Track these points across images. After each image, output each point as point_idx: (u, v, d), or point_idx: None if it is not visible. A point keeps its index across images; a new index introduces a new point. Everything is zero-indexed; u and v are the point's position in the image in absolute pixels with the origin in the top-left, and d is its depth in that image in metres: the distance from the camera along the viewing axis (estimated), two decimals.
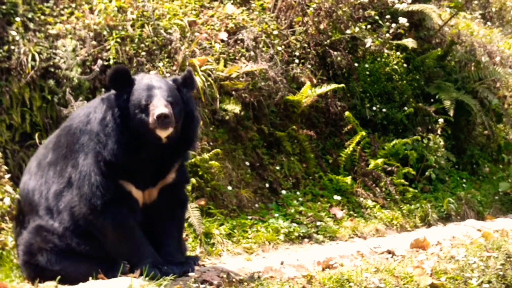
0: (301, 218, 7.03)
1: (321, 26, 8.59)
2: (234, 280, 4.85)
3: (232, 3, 8.18)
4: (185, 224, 5.70)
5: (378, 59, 8.77)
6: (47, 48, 6.60)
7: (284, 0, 8.49)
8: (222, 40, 7.68)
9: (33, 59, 6.43)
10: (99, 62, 6.61)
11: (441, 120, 8.77)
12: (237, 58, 7.62)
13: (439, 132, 8.73)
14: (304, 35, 8.50)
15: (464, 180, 9.13)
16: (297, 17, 8.52)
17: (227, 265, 5.38)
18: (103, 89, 6.47)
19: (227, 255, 6.10)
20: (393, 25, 8.88)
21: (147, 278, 4.48)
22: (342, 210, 7.47)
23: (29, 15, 6.69)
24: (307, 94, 7.89)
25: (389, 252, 6.20)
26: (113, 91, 4.68)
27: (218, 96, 7.12)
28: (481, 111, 9.36)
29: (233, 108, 7.17)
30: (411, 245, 6.37)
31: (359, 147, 8.17)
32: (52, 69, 6.54)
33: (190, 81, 4.83)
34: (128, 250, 4.70)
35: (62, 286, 4.63)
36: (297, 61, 8.26)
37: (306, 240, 6.78)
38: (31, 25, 6.66)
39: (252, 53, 7.72)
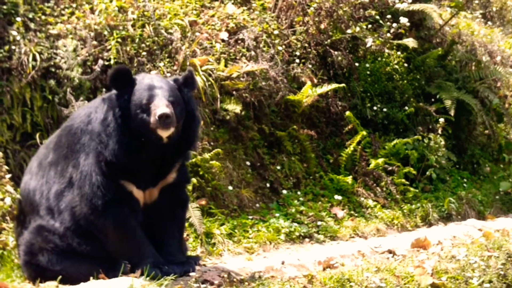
0: (302, 218, 7.03)
1: (322, 26, 8.59)
2: (235, 280, 4.85)
3: (232, 3, 8.19)
4: (186, 224, 5.69)
5: (379, 58, 8.77)
6: (48, 48, 6.60)
7: None
8: (223, 40, 7.69)
9: (34, 59, 6.43)
10: (100, 62, 6.62)
11: (441, 120, 8.77)
12: (237, 58, 7.63)
13: (439, 131, 8.73)
14: (305, 35, 8.50)
15: (465, 180, 9.12)
16: (298, 17, 8.52)
17: (228, 265, 5.38)
18: (104, 89, 6.47)
19: (228, 255, 6.10)
20: (394, 24, 8.88)
21: (148, 278, 4.48)
22: (343, 209, 7.47)
23: (30, 15, 6.69)
24: (308, 94, 7.89)
25: (390, 251, 6.20)
26: (114, 91, 4.68)
27: (218, 96, 7.12)
28: (481, 111, 9.36)
29: (234, 108, 7.18)
30: (412, 245, 6.37)
31: (359, 146, 8.17)
32: (53, 69, 6.55)
33: (191, 81, 4.84)
34: (129, 250, 4.70)
35: (63, 286, 4.63)
36: (297, 61, 8.27)
37: (307, 239, 6.78)
38: (32, 25, 6.66)
39: (252, 53, 7.72)
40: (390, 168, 8.18)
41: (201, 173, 6.64)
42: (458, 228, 7.45)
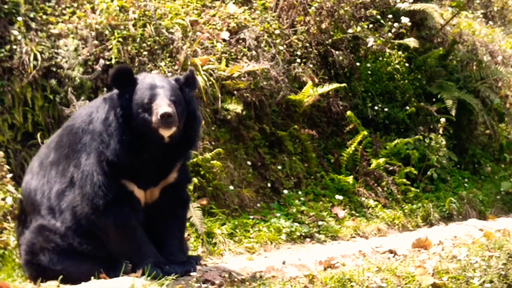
0: (303, 217, 7.03)
1: (323, 26, 8.59)
2: (236, 279, 4.85)
3: (234, 3, 8.18)
4: (187, 224, 5.69)
5: (380, 58, 8.76)
6: (49, 47, 6.60)
7: None
8: (224, 40, 7.69)
9: (35, 58, 6.43)
10: (101, 61, 6.62)
11: (443, 120, 8.77)
12: (239, 57, 7.62)
13: (441, 131, 8.73)
14: (306, 35, 8.50)
15: (466, 180, 9.12)
16: (299, 17, 8.52)
17: (229, 265, 5.38)
18: (105, 89, 6.47)
19: (229, 254, 6.10)
20: (395, 24, 8.88)
21: (149, 278, 4.48)
22: (344, 209, 7.47)
23: (31, 15, 6.69)
24: (309, 94, 7.89)
25: (391, 251, 6.20)
26: (115, 91, 4.68)
27: (220, 95, 7.12)
28: (483, 111, 9.36)
29: (235, 107, 7.17)
30: (413, 245, 6.37)
31: (361, 146, 8.17)
32: (54, 69, 6.55)
33: (192, 80, 4.83)
34: (130, 249, 4.70)
35: (64, 286, 4.63)
36: (299, 60, 8.26)
37: (308, 239, 6.78)
38: (33, 25, 6.66)
39: (254, 52, 7.72)
40: (391, 168, 8.18)
41: (202, 172, 6.64)
42: (459, 228, 7.44)
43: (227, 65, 7.38)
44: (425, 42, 9.55)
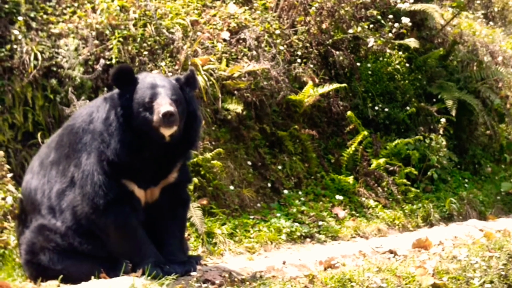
0: (303, 217, 7.03)
1: (323, 26, 8.59)
2: (236, 279, 4.85)
3: (234, 3, 8.18)
4: (187, 224, 5.69)
5: (380, 58, 8.77)
6: (49, 47, 6.60)
7: None
8: (224, 40, 7.69)
9: (36, 58, 6.43)
10: (102, 61, 6.62)
11: (443, 120, 8.77)
12: (239, 57, 7.62)
13: (441, 132, 8.72)
14: (306, 35, 8.50)
15: (466, 180, 9.12)
16: (299, 17, 8.52)
17: (229, 265, 5.39)
18: (105, 89, 6.47)
19: (229, 254, 6.10)
20: (396, 24, 8.88)
21: (149, 278, 4.48)
22: (344, 209, 7.47)
23: (32, 14, 6.69)
24: (309, 94, 7.89)
25: (391, 252, 6.20)
26: (116, 90, 4.68)
27: (220, 95, 7.12)
28: (483, 111, 9.36)
29: (235, 107, 7.18)
30: (413, 245, 6.37)
31: (361, 146, 8.17)
32: (55, 68, 6.55)
33: (192, 80, 4.83)
34: (130, 249, 4.70)
35: (64, 285, 4.63)
36: (299, 60, 8.26)
37: (308, 239, 6.78)
38: (34, 24, 6.66)
39: (254, 52, 7.72)
40: (391, 168, 8.18)
41: (202, 172, 6.64)
42: (459, 228, 7.45)
43: (227, 65, 7.38)
44: (426, 43, 9.55)
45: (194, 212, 6.12)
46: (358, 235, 7.13)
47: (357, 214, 7.53)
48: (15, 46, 6.44)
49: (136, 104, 4.56)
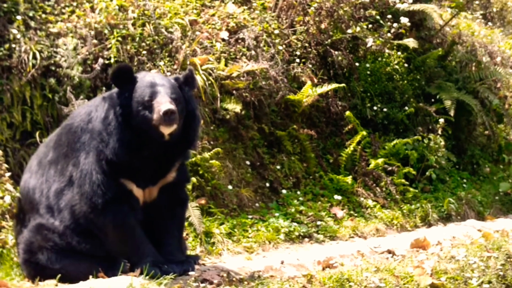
0: (301, 217, 7.03)
1: (322, 26, 8.59)
2: (234, 279, 4.85)
3: (233, 2, 8.18)
4: (186, 223, 5.70)
5: (379, 59, 8.77)
6: (48, 46, 6.60)
7: None
8: (223, 39, 7.68)
9: (34, 57, 6.43)
10: (100, 60, 6.62)
11: (441, 120, 8.77)
12: (238, 57, 7.62)
13: (439, 132, 8.73)
14: (305, 35, 8.50)
15: (465, 180, 9.12)
16: (298, 17, 8.52)
17: (227, 264, 5.39)
18: (104, 88, 6.47)
19: (227, 254, 6.10)
20: (394, 25, 8.88)
21: (147, 277, 4.48)
22: (342, 209, 7.47)
23: (30, 14, 6.69)
24: (308, 94, 7.89)
25: (389, 251, 6.20)
26: (114, 90, 4.68)
27: (219, 95, 7.12)
28: (481, 111, 9.36)
29: (234, 107, 7.17)
30: (411, 245, 6.37)
31: (359, 146, 8.17)
32: (53, 68, 6.54)
33: (191, 80, 4.84)
34: (129, 248, 4.70)
35: (62, 285, 4.63)
36: (298, 60, 8.26)
37: (306, 239, 6.78)
38: (32, 24, 6.65)
39: (253, 52, 7.72)
40: (389, 168, 8.18)
41: (200, 172, 6.64)
42: (457, 228, 7.45)
43: (226, 65, 7.38)
44: (424, 43, 9.55)
45: (193, 212, 6.11)
46: (356, 235, 7.13)
47: (356, 214, 7.54)
48: (13, 45, 6.43)
49: (135, 103, 4.56)
